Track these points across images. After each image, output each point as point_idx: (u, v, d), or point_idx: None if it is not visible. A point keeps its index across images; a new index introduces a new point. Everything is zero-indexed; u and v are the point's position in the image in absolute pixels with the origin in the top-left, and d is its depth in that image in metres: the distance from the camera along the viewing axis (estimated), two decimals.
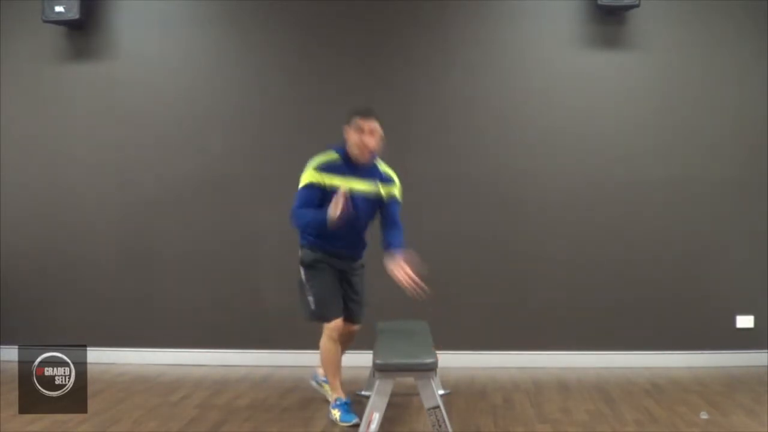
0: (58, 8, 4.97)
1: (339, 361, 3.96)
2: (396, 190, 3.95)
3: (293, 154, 4.51)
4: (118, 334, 5.19)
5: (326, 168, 3.75)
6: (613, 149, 5.04)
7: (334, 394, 3.93)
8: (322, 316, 3.86)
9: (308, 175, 3.75)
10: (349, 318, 4.00)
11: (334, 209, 3.55)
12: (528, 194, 5.06)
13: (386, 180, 3.93)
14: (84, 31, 5.18)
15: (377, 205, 3.91)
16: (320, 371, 4.18)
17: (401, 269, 3.61)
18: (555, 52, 5.06)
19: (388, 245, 3.80)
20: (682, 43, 5.02)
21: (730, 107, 5.02)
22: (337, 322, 3.84)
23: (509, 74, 5.10)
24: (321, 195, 3.70)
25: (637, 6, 4.81)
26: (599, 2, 4.81)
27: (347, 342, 4.13)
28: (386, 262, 3.71)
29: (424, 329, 4.14)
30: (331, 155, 3.81)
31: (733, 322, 5.01)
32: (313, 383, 4.26)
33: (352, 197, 3.69)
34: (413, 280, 3.57)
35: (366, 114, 3.77)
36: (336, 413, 3.85)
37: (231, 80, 5.19)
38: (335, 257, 3.91)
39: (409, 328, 4.19)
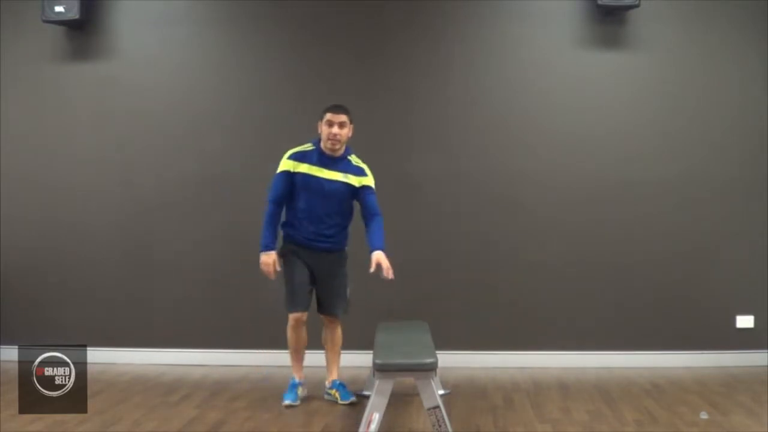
0: (58, 8, 4.97)
1: (300, 347, 4.23)
2: (369, 181, 4.16)
3: None
4: (118, 334, 5.19)
5: (298, 156, 4.12)
6: (613, 149, 5.04)
7: (294, 373, 4.26)
8: (286, 306, 4.17)
9: (282, 164, 4.13)
10: (324, 311, 4.25)
11: (266, 268, 4.10)
12: (528, 194, 5.06)
13: (357, 172, 4.15)
14: (84, 31, 5.18)
15: (349, 196, 4.15)
16: (327, 383, 4.31)
17: (379, 263, 3.90)
18: (555, 52, 5.05)
19: (369, 243, 4.03)
20: (682, 43, 5.02)
21: (731, 107, 5.01)
22: (297, 315, 4.12)
23: (509, 74, 5.10)
24: (291, 180, 4.09)
25: (637, 6, 4.80)
26: (599, 2, 4.81)
27: (331, 334, 4.29)
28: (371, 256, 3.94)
29: (424, 329, 4.13)
30: (306, 146, 4.17)
31: (733, 322, 5.01)
32: (326, 396, 4.32)
33: (318, 181, 4.06)
34: (388, 272, 3.90)
35: (334, 109, 4.10)
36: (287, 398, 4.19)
37: (231, 80, 5.19)
38: (306, 249, 4.13)
39: (409, 328, 4.19)
